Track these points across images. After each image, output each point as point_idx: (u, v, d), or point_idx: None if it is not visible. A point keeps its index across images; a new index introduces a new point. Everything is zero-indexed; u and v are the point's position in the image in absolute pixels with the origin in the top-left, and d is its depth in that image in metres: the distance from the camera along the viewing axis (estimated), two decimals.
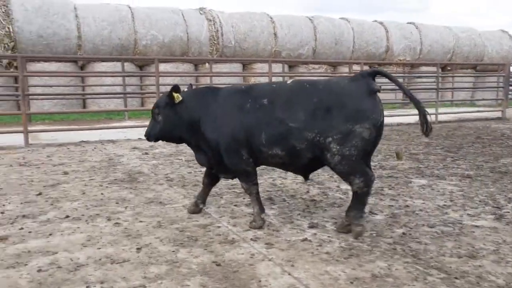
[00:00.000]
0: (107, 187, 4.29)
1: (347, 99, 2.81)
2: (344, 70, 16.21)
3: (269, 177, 4.65)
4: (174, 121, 3.29)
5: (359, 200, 2.85)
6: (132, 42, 14.09)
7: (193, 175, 4.87)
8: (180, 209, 3.48)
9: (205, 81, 14.58)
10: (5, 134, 7.88)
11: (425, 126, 2.82)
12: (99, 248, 2.66)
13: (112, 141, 7.64)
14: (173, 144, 7.04)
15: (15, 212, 3.41)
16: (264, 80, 14.89)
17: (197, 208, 3.43)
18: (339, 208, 3.51)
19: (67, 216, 3.31)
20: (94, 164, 5.46)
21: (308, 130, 2.83)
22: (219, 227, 3.05)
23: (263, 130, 2.94)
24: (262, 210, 3.14)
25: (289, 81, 3.09)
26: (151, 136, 3.44)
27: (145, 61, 14.08)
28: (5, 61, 12.87)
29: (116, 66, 13.08)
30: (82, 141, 7.60)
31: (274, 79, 11.92)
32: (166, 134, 3.35)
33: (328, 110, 2.81)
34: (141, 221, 3.19)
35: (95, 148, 6.93)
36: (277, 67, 14.23)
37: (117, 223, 3.15)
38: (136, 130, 8.63)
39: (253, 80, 15.77)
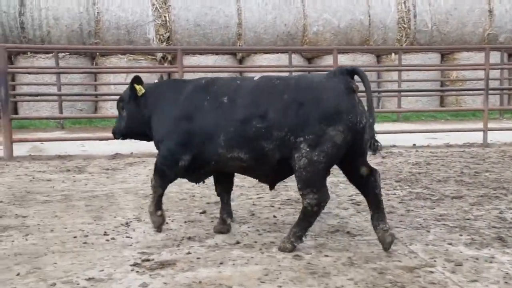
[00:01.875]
0: (279, 208, 4.41)
1: (322, 96, 3.13)
2: None
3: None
4: (137, 116, 3.74)
5: (305, 218, 3.23)
6: (301, 28, 14.55)
7: (384, 198, 4.69)
8: (374, 243, 3.41)
9: (390, 76, 14.24)
10: None
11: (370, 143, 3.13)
12: (280, 286, 2.69)
13: None
14: None
15: (180, 233, 3.70)
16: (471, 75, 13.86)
17: (224, 226, 3.68)
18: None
19: (238, 242, 3.46)
20: None
21: (277, 129, 3.16)
22: (431, 272, 2.91)
23: (222, 131, 3.30)
24: (158, 208, 3.62)
25: (256, 77, 3.43)
26: (116, 133, 3.94)
27: (316, 52, 14.40)
28: (159, 55, 14.50)
29: (280, 59, 13.65)
30: None
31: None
32: (131, 130, 3.84)
33: (300, 108, 3.14)
34: (326, 255, 3.19)
35: None
36: (492, 57, 13.09)
37: (297, 255, 3.19)
38: None
39: (454, 75, 14.83)
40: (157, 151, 3.71)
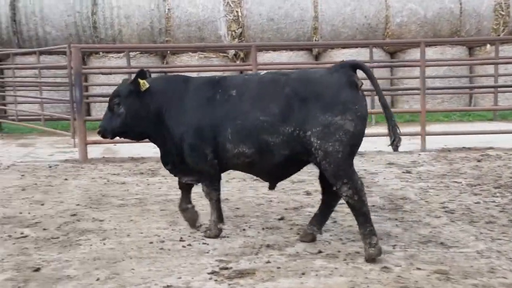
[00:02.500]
0: None
1: (325, 89, 3.38)
2: None
3: None
4: (139, 112, 3.82)
5: (357, 213, 3.32)
6: (382, 20, 14.28)
7: (482, 206, 4.57)
8: (473, 257, 3.31)
9: (484, 70, 13.67)
10: None
11: (393, 138, 3.34)
12: None
13: (359, 154, 7.82)
14: (445, 162, 6.81)
15: (258, 240, 3.74)
16: None
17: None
18: None
19: (320, 252, 3.46)
20: None
21: (282, 123, 3.40)
22: None
23: (229, 125, 3.54)
24: (220, 219, 3.83)
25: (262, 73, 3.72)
26: (107, 131, 3.92)
27: (400, 45, 14.07)
28: (231, 52, 14.72)
29: (360, 54, 13.47)
30: None
31: None
32: (128, 128, 3.90)
33: (304, 101, 3.38)
34: (418, 268, 3.13)
35: None
36: None
37: (385, 267, 3.15)
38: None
39: None
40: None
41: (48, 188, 5.68)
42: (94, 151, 8.17)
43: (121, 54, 13.64)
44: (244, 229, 4.00)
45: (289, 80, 3.51)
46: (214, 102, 3.64)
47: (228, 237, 3.82)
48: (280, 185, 5.59)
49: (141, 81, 3.79)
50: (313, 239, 3.64)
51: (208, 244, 3.65)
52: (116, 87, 4.00)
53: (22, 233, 3.97)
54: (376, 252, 3.22)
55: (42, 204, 4.95)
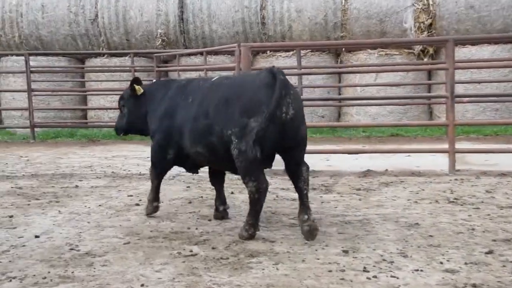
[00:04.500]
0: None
1: (243, 91, 4.45)
2: None
3: None
4: (136, 112, 5.42)
5: (252, 207, 4.43)
6: None
7: None
8: None
9: None
10: (424, 153, 8.77)
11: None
12: None
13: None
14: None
15: (460, 277, 3.56)
16: None
17: (219, 213, 5.27)
18: None
19: None
20: None
21: (215, 123, 4.49)
22: None
23: (186, 128, 4.80)
24: (155, 199, 5.31)
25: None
26: (118, 129, 5.67)
27: None
28: (417, 48, 14.31)
29: None
30: None
31: None
32: (131, 126, 5.55)
33: (227, 103, 4.45)
34: None
35: None
36: None
37: None
38: None
39: None
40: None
41: (213, 202, 5.98)
42: None
43: (290, 53, 13.99)
44: (441, 262, 3.84)
45: (225, 85, 4.70)
46: (177, 106, 4.97)
47: (421, 270, 3.69)
48: (485, 209, 5.36)
49: (137, 87, 5.36)
50: (310, 227, 4.47)
51: (398, 278, 3.56)
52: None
53: (191, 251, 4.21)
54: (246, 235, 4.47)
55: (209, 220, 5.24)
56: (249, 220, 4.46)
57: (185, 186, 7.00)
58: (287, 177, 7.38)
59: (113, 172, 8.34)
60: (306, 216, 4.47)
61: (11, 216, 5.49)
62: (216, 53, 14.05)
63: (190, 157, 4.93)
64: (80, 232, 4.85)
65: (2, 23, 15.56)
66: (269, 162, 4.70)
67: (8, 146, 12.58)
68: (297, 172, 4.59)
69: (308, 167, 4.67)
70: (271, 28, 14.48)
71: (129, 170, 8.61)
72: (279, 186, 6.90)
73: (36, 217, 5.49)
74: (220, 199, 5.30)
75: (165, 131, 5.02)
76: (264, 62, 14.21)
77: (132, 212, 5.62)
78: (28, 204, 6.11)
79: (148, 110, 5.31)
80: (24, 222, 5.26)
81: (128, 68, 14.33)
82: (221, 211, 5.26)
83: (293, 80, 13.00)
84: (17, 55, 15.03)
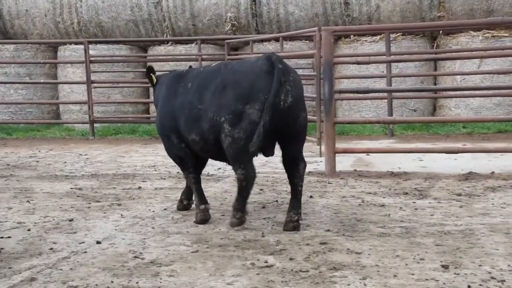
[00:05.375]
0: None
1: (239, 78, 4.91)
2: None
3: None
4: (156, 100, 5.88)
5: (239, 193, 5.01)
6: None
7: None
8: None
9: None
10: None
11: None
12: None
13: None
14: None
15: None
16: None
17: (181, 204, 5.98)
18: None
19: None
20: None
21: (209, 109, 4.98)
22: None
23: (182, 114, 5.27)
24: (202, 201, 5.48)
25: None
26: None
27: None
28: None
29: None
30: None
31: None
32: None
33: (224, 89, 4.92)
34: None
35: None
36: None
37: None
38: None
39: None
40: None
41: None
42: (343, 162, 8.35)
43: (377, 37, 13.79)
44: None
45: (223, 71, 5.09)
46: (176, 94, 5.42)
47: None
48: None
49: (153, 76, 5.90)
50: (294, 228, 5.04)
51: None
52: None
53: (266, 262, 4.21)
54: (236, 222, 5.02)
55: None
56: (236, 205, 5.01)
57: (258, 189, 7.01)
58: (374, 180, 7.42)
59: (178, 172, 8.44)
60: (295, 217, 5.04)
61: (71, 220, 5.68)
62: (292, 38, 14.01)
63: (190, 147, 5.41)
64: (144, 239, 4.95)
65: (60, 9, 15.97)
66: (267, 151, 5.08)
67: (67, 143, 13.02)
68: (294, 167, 5.09)
69: (305, 164, 5.19)
70: (356, 9, 14.27)
71: None
72: (364, 190, 6.83)
73: (97, 221, 5.65)
74: (189, 193, 5.92)
75: (166, 119, 5.55)
76: (347, 48, 14.11)
77: None
78: (89, 207, 6.29)
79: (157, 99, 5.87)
80: (85, 227, 5.43)
81: (195, 56, 14.43)
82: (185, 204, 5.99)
83: (380, 69, 12.91)
84: (76, 43, 15.34)
